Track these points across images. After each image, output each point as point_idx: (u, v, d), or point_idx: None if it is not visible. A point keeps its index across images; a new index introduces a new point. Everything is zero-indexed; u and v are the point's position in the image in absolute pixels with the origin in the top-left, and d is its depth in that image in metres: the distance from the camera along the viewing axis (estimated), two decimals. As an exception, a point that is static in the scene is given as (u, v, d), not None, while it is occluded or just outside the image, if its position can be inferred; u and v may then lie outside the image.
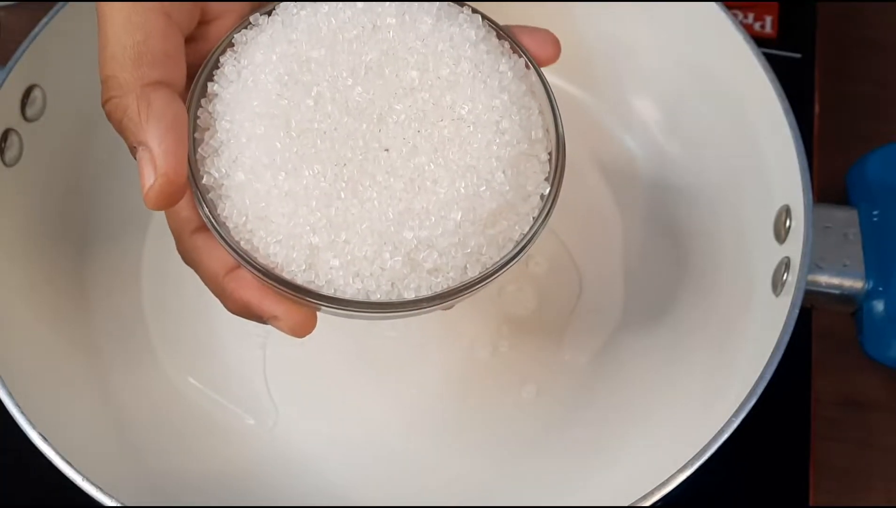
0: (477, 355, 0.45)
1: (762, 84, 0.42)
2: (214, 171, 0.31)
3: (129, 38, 0.30)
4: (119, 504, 0.35)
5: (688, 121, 0.48)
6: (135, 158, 0.30)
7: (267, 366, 0.45)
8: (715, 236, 0.46)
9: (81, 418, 0.41)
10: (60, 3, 0.43)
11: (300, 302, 0.31)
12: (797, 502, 0.44)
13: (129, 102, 0.30)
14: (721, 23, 0.44)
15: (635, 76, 0.50)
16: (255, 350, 0.45)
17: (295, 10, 0.33)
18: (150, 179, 0.30)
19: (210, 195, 0.31)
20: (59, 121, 0.44)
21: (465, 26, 0.33)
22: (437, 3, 0.33)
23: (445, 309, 0.33)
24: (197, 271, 0.33)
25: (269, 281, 0.30)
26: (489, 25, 0.34)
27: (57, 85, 0.44)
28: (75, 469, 0.35)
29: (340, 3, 0.32)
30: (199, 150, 0.31)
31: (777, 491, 0.44)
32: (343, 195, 0.30)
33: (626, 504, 0.34)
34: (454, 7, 0.34)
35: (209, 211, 0.31)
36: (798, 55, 0.53)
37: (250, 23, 0.33)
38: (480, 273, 0.31)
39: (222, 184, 0.31)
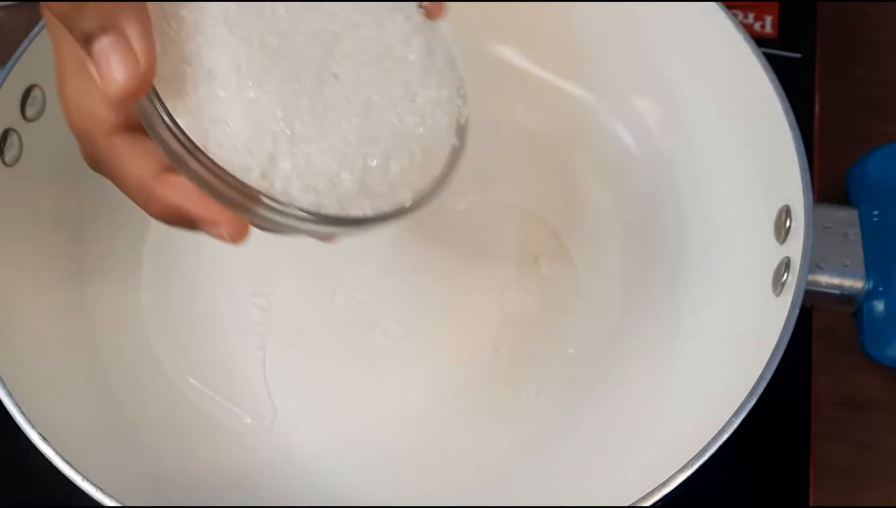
0: (476, 356, 0.45)
1: (762, 84, 0.42)
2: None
3: None
4: (119, 505, 0.35)
5: (688, 121, 0.48)
6: (86, 49, 0.28)
7: (266, 366, 0.45)
8: (715, 236, 0.46)
9: (81, 418, 0.41)
10: (60, 3, 0.43)
11: (238, 210, 0.31)
12: (797, 502, 0.44)
13: None
14: (721, 23, 0.44)
15: (635, 76, 0.50)
16: (255, 351, 0.45)
17: None
18: (125, 67, 0.28)
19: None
20: (59, 121, 0.44)
21: None
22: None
23: (362, 232, 0.33)
24: (113, 175, 0.31)
25: (221, 181, 0.30)
26: None
27: (57, 85, 0.44)
28: (75, 469, 0.35)
29: None
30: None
31: (777, 491, 0.44)
32: (305, 111, 0.30)
33: (626, 505, 0.34)
34: None
35: (162, 104, 0.29)
36: (798, 55, 0.53)
37: None
38: (413, 202, 0.33)
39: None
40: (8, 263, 0.42)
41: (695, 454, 0.35)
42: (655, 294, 0.46)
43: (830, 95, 0.52)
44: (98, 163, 0.31)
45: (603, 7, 0.49)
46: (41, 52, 0.42)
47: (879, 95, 0.54)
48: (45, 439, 0.36)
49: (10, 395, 0.36)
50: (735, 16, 0.44)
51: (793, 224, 0.40)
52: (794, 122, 0.41)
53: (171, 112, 0.29)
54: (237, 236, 0.31)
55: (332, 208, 0.31)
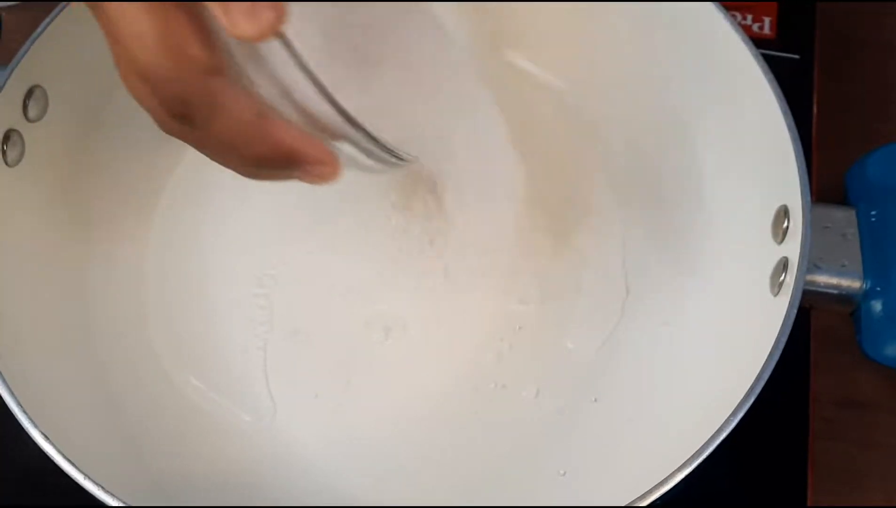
0: (476, 355, 0.45)
1: (761, 85, 0.42)
2: None
3: None
4: (121, 504, 0.35)
5: (687, 121, 0.48)
6: None
7: (267, 365, 0.45)
8: (713, 236, 0.46)
9: (83, 417, 0.41)
10: (62, 4, 0.43)
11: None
12: (796, 502, 0.44)
13: None
14: (719, 24, 0.44)
15: (634, 77, 0.50)
16: (256, 350, 0.45)
17: None
18: (268, 10, 0.27)
19: None
20: (61, 121, 0.45)
21: None
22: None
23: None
24: (210, 118, 0.30)
25: (340, 118, 0.30)
26: None
27: (59, 85, 0.44)
28: (77, 467, 0.35)
29: None
30: None
31: (775, 491, 0.44)
32: None
33: (624, 504, 0.35)
34: None
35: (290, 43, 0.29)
36: (797, 56, 0.53)
37: None
38: None
39: None
40: (9, 262, 0.42)
41: (693, 453, 0.35)
42: (655, 294, 0.46)
43: (829, 96, 0.52)
44: (188, 106, 0.29)
45: (602, 8, 0.49)
46: (44, 53, 0.43)
47: (878, 96, 0.54)
48: (47, 438, 0.36)
49: (13, 394, 0.37)
50: (733, 17, 0.44)
51: (791, 224, 0.40)
52: (793, 122, 0.41)
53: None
54: (337, 174, 0.32)
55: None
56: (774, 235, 0.41)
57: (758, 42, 0.43)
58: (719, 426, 0.35)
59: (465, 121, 0.45)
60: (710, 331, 0.43)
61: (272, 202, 0.48)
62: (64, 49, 0.44)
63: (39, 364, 0.41)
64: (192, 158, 0.49)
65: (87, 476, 0.35)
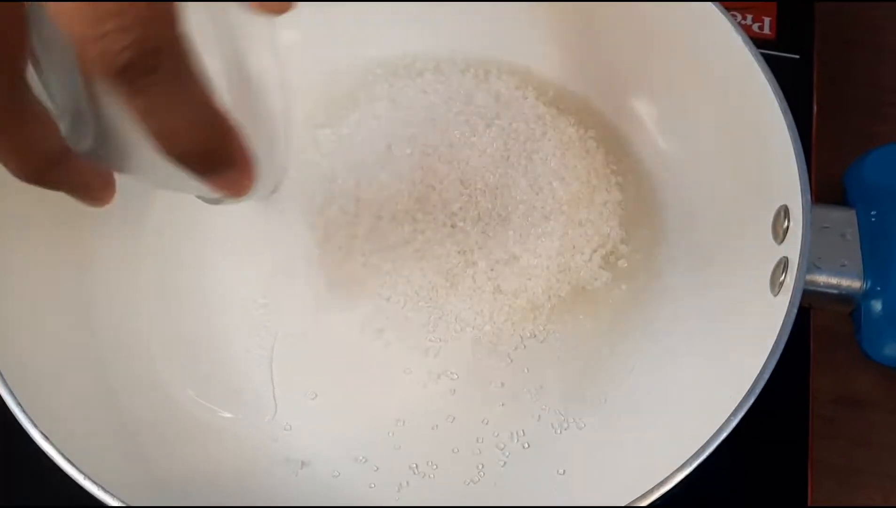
0: (475, 356, 0.45)
1: (761, 85, 0.42)
2: None
3: None
4: (121, 504, 0.35)
5: (687, 121, 0.48)
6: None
7: (268, 367, 0.45)
8: (713, 236, 0.46)
9: (83, 417, 0.41)
10: (62, 4, 0.43)
11: None
12: (795, 501, 0.44)
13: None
14: (719, 24, 0.44)
15: (635, 76, 0.50)
16: (257, 350, 0.45)
17: None
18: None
19: None
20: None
21: None
22: None
23: None
24: (182, 74, 0.26)
25: None
26: None
27: (59, 85, 0.44)
28: (77, 467, 0.35)
29: None
30: None
31: (775, 490, 0.44)
32: None
33: (624, 504, 0.35)
34: None
35: None
36: (796, 56, 0.53)
37: None
38: None
39: None
40: (9, 262, 0.42)
41: (693, 453, 0.35)
42: (654, 293, 0.46)
43: (828, 96, 0.52)
44: (157, 54, 0.25)
45: (602, 7, 0.49)
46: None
47: (877, 96, 0.54)
48: (47, 438, 0.36)
49: (13, 394, 0.37)
50: (733, 17, 0.44)
51: (791, 224, 0.40)
52: (793, 122, 0.41)
53: None
54: (249, 188, 0.30)
55: None
56: (774, 235, 0.41)
57: (758, 42, 0.43)
58: (719, 426, 0.35)
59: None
60: (709, 331, 0.43)
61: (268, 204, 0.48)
62: (64, 49, 0.43)
63: (39, 364, 0.41)
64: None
65: (87, 476, 0.35)
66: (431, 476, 0.42)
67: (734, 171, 0.45)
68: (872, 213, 0.43)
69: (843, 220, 0.43)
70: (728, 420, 0.35)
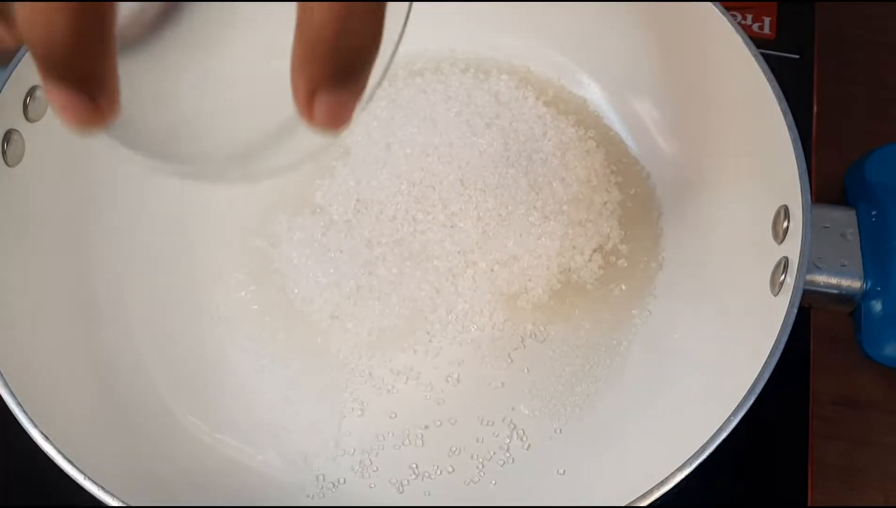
0: (476, 356, 0.45)
1: (761, 85, 0.42)
2: None
3: None
4: (121, 504, 0.35)
5: (687, 121, 0.48)
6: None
7: (267, 368, 0.45)
8: (713, 236, 0.46)
9: (83, 417, 0.41)
10: (62, 4, 0.43)
11: None
12: (795, 501, 0.44)
13: None
14: (719, 24, 0.44)
15: (635, 76, 0.50)
16: (256, 355, 0.45)
17: None
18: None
19: None
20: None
21: None
22: None
23: None
24: None
25: None
26: None
27: (59, 85, 0.44)
28: (77, 467, 0.35)
29: None
30: None
31: (775, 490, 0.44)
32: None
33: (624, 504, 0.35)
34: None
35: None
36: (797, 56, 0.53)
37: None
38: None
39: None
40: (10, 263, 0.42)
41: (693, 453, 0.35)
42: (654, 293, 0.46)
43: (828, 96, 0.52)
44: None
45: (602, 8, 0.49)
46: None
47: (877, 96, 0.54)
48: (47, 438, 0.36)
49: (13, 394, 0.37)
50: (734, 17, 0.44)
51: (791, 224, 0.40)
52: (793, 122, 0.41)
53: None
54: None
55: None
56: (774, 235, 0.41)
57: (758, 42, 0.43)
58: (719, 426, 0.35)
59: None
60: (709, 331, 0.43)
61: (264, 197, 0.48)
62: (64, 49, 0.43)
63: (39, 364, 0.41)
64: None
65: (87, 476, 0.35)
66: (431, 476, 0.42)
67: (734, 171, 0.45)
68: (873, 213, 0.43)
69: (844, 220, 0.43)
70: (728, 420, 0.35)
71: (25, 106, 0.43)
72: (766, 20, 0.55)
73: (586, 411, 0.44)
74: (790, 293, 0.38)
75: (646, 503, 0.35)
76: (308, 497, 0.42)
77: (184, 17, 0.28)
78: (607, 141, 0.50)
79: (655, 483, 0.35)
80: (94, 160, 0.47)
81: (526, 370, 0.45)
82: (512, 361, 0.45)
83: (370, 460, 0.43)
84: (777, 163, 0.41)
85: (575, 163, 0.48)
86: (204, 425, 0.43)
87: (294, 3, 0.25)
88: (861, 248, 0.42)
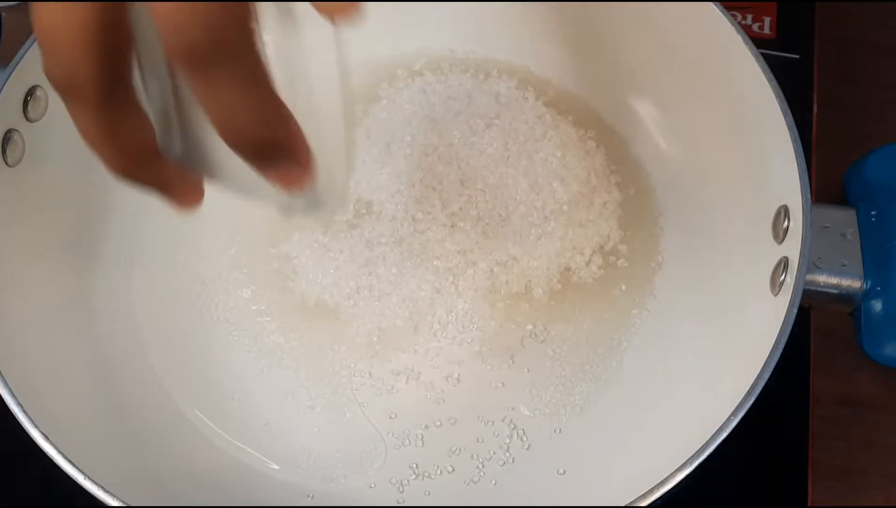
0: (476, 356, 0.45)
1: (761, 85, 0.42)
2: None
3: None
4: (121, 504, 0.35)
5: (687, 121, 0.48)
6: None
7: (268, 368, 0.45)
8: (713, 236, 0.46)
9: (83, 417, 0.41)
10: (62, 4, 0.43)
11: None
12: (796, 501, 0.44)
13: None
14: (720, 24, 0.44)
15: (635, 76, 0.50)
16: (256, 355, 0.45)
17: None
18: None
19: None
20: (62, 121, 0.44)
21: None
22: None
23: None
24: (247, 54, 0.27)
25: None
26: None
27: (59, 85, 0.44)
28: (77, 467, 0.35)
29: None
30: None
31: (776, 491, 0.44)
32: None
33: (624, 504, 0.35)
34: None
35: None
36: (797, 56, 0.53)
37: None
38: None
39: None
40: (10, 263, 0.42)
41: (693, 452, 0.35)
42: (654, 293, 0.46)
43: (829, 96, 0.52)
44: (222, 30, 0.26)
45: (602, 7, 0.49)
46: (43, 53, 0.43)
47: (877, 96, 0.54)
48: (47, 438, 0.36)
49: (13, 394, 0.37)
50: (734, 17, 0.44)
51: (791, 224, 0.40)
52: (793, 122, 0.41)
53: None
54: (309, 177, 0.30)
55: None
56: (774, 235, 0.41)
57: (758, 42, 0.43)
58: (719, 426, 0.35)
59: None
60: (709, 331, 0.43)
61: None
62: (64, 49, 0.43)
63: (39, 365, 0.41)
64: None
65: (87, 476, 0.35)
66: (431, 476, 0.42)
67: (734, 171, 0.45)
68: (873, 213, 0.43)
69: (844, 220, 0.43)
70: (728, 420, 0.35)
71: (25, 106, 0.43)
72: (766, 20, 0.55)
73: (586, 411, 0.44)
74: (790, 293, 0.38)
75: (646, 503, 0.35)
76: (308, 497, 0.42)
77: None
78: (607, 141, 0.50)
79: (655, 483, 0.35)
80: (93, 160, 0.47)
81: (526, 370, 0.45)
82: (512, 361, 0.45)
83: (370, 460, 0.43)
84: (777, 163, 0.41)
85: (575, 163, 0.48)
86: (204, 425, 0.44)
87: None
88: (861, 248, 0.42)
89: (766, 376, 0.36)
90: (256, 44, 0.27)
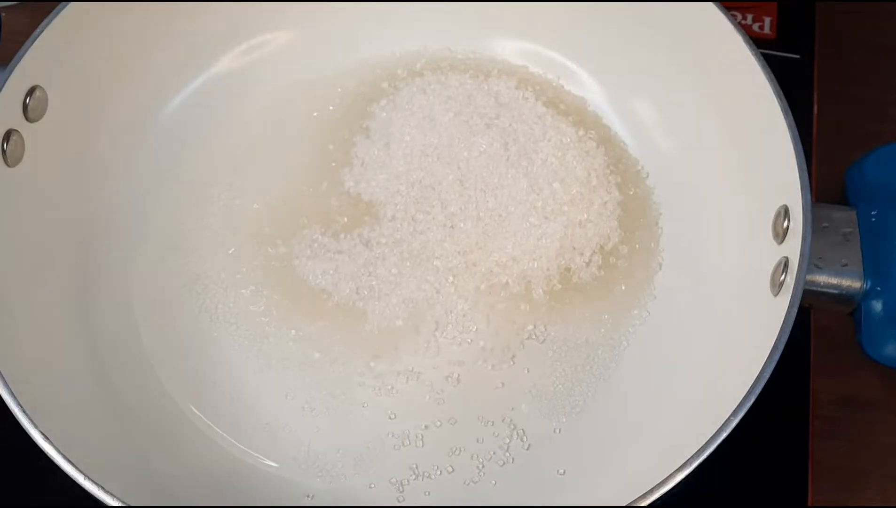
0: (476, 357, 0.45)
1: (761, 85, 0.42)
2: None
3: None
4: (121, 504, 0.35)
5: (687, 121, 0.48)
6: None
7: (267, 369, 0.45)
8: (713, 236, 0.46)
9: (83, 417, 0.41)
10: (62, 4, 0.43)
11: None
12: (796, 501, 0.44)
13: None
14: (720, 23, 0.44)
15: (635, 76, 0.50)
16: (255, 355, 0.45)
17: None
18: None
19: None
20: (62, 121, 0.45)
21: None
22: None
23: None
24: None
25: None
26: None
27: (59, 85, 0.44)
28: (77, 467, 0.35)
29: None
30: None
31: (776, 491, 0.44)
32: None
33: (625, 504, 0.35)
34: None
35: None
36: (797, 56, 0.53)
37: None
38: None
39: None
40: (10, 263, 0.42)
41: (693, 453, 0.35)
42: (654, 293, 0.46)
43: (829, 96, 0.52)
44: None
45: (602, 8, 0.49)
46: (44, 53, 0.43)
47: (877, 96, 0.54)
48: (47, 438, 0.36)
49: (12, 394, 0.37)
50: (734, 17, 0.44)
51: (791, 224, 0.40)
52: (793, 122, 0.41)
53: None
54: None
55: None
56: (775, 235, 0.41)
57: (758, 42, 0.43)
58: (720, 425, 0.35)
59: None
60: (709, 331, 0.43)
61: (268, 204, 0.48)
62: (64, 49, 0.44)
63: (39, 365, 0.41)
64: (192, 159, 0.49)
65: (87, 476, 0.35)
66: (431, 476, 0.42)
67: (734, 171, 0.45)
68: (873, 213, 0.43)
69: (844, 220, 0.43)
70: (728, 420, 0.35)
71: (25, 106, 0.43)
72: (766, 20, 0.55)
73: (586, 411, 0.44)
74: (790, 293, 0.38)
75: (646, 503, 0.35)
76: (308, 496, 0.42)
77: None
78: (607, 141, 0.50)
79: (655, 483, 0.35)
80: (93, 160, 0.47)
81: (526, 370, 0.45)
82: (512, 361, 0.45)
83: (370, 460, 0.43)
84: (777, 163, 0.41)
85: (575, 163, 0.48)
86: (204, 425, 0.43)
87: None
88: (861, 248, 0.42)
89: (767, 376, 0.36)
90: None
